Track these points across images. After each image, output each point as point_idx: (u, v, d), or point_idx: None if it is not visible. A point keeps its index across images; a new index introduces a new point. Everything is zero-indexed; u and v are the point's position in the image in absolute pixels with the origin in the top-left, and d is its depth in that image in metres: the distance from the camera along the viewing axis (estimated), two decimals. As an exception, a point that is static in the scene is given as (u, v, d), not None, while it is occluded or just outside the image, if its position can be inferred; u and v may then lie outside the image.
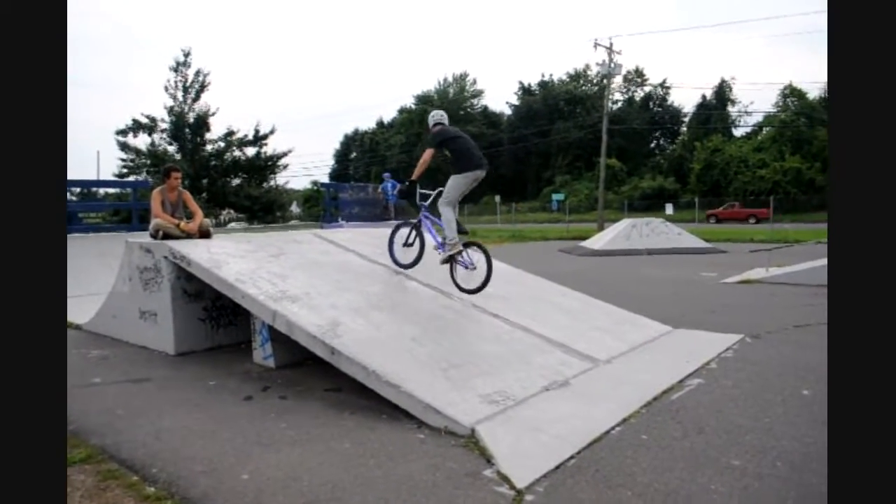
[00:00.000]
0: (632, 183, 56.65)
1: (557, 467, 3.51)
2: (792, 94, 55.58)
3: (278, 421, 4.37)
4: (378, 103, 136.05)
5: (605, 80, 40.88)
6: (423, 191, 6.97)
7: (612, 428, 4.10)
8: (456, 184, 6.60)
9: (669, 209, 37.24)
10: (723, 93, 61.42)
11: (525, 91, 70.68)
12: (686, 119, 64.91)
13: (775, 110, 56.42)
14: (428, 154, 6.57)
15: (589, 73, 67.51)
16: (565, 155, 63.10)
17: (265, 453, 3.80)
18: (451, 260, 6.60)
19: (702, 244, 20.17)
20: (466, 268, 6.52)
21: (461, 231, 6.59)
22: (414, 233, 6.98)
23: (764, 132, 55.59)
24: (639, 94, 67.91)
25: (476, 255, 6.55)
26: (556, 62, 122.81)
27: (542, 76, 71.00)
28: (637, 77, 67.07)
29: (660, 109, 66.34)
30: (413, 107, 73.29)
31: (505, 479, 3.34)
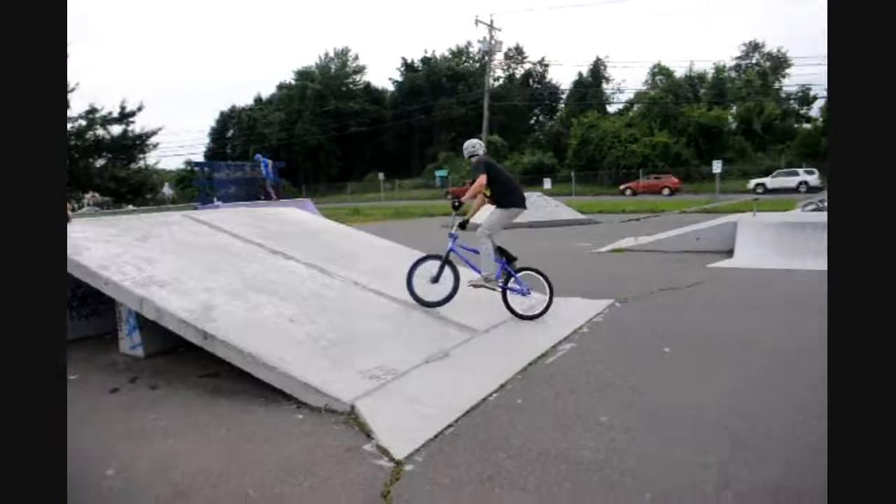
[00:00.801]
0: (513, 158, 58.02)
1: (436, 436, 3.58)
2: (660, 72, 58.79)
3: (148, 412, 4.17)
4: (256, 79, 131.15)
5: (486, 57, 41.52)
6: (463, 218, 6.61)
7: (490, 395, 4.23)
8: (499, 218, 6.41)
9: (548, 183, 38.59)
10: (598, 71, 63.97)
11: (408, 67, 70.37)
12: (564, 96, 67.13)
13: (645, 88, 59.54)
14: (484, 179, 6.22)
15: (471, 49, 68.17)
16: (448, 131, 63.65)
17: (134, 447, 3.62)
18: (504, 286, 6.30)
19: (578, 216, 21.07)
20: (523, 294, 6.31)
21: (510, 258, 6.36)
22: (445, 267, 6.25)
23: (635, 109, 58.54)
24: (519, 72, 69.39)
25: (537, 282, 6.38)
26: (438, 38, 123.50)
27: (425, 52, 70.86)
28: (517, 54, 68.45)
29: (539, 86, 68.15)
30: (293, 82, 71.20)
31: (384, 452, 3.37)
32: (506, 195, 6.37)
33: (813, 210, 17.26)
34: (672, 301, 7.28)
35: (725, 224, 12.19)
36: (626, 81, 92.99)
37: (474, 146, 6.60)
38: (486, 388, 4.30)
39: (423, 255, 6.45)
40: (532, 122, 69.41)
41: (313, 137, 65.52)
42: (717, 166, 30.34)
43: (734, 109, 57.61)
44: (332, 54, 72.60)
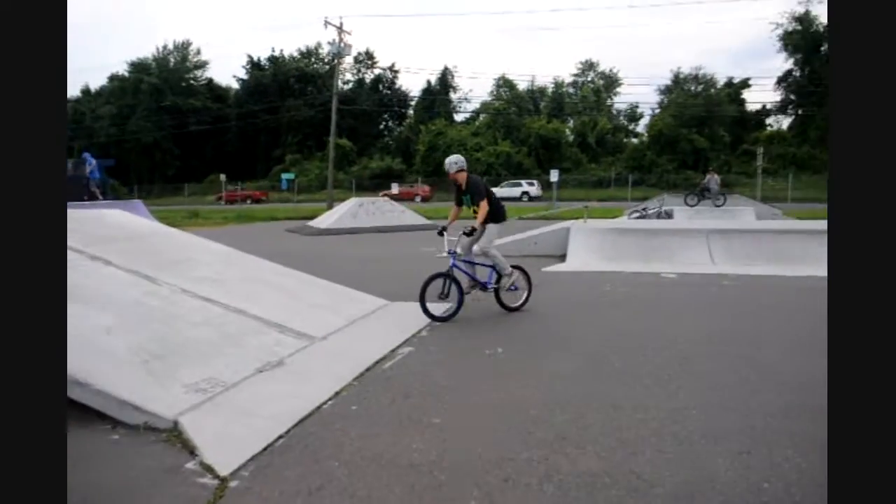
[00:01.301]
0: (361, 163, 57.97)
1: (266, 448, 3.47)
2: (505, 84, 61.41)
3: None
4: (83, 66, 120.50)
5: (335, 60, 41.05)
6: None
7: (324, 402, 4.17)
8: (497, 230, 7.27)
9: (395, 188, 38.90)
10: (446, 80, 65.52)
11: (254, 65, 67.91)
12: (413, 103, 68.06)
13: (490, 99, 61.91)
14: (486, 203, 6.93)
15: (321, 51, 67.16)
16: (296, 133, 62.25)
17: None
18: (497, 286, 7.11)
19: (424, 221, 21.46)
20: (510, 290, 7.18)
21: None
22: (448, 282, 6.70)
23: (481, 118, 60.68)
24: (369, 76, 69.42)
25: (519, 279, 7.28)
26: (286, 37, 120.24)
27: (273, 51, 68.80)
28: (368, 59, 68.43)
29: (388, 92, 68.55)
30: (127, 74, 66.29)
31: (208, 469, 3.21)
32: (497, 211, 7.15)
33: (637, 217, 18.84)
34: (507, 304, 7.62)
35: (560, 230, 12.94)
36: (473, 91, 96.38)
37: (459, 162, 7.16)
38: (320, 396, 4.24)
39: (431, 275, 6.77)
40: (381, 127, 69.70)
41: (148, 134, 61.44)
42: (554, 175, 32.18)
43: (571, 123, 61.43)
44: (171, 47, 68.56)
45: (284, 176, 54.47)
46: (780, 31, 56.15)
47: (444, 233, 7.15)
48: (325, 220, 20.97)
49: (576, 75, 68.28)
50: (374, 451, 3.43)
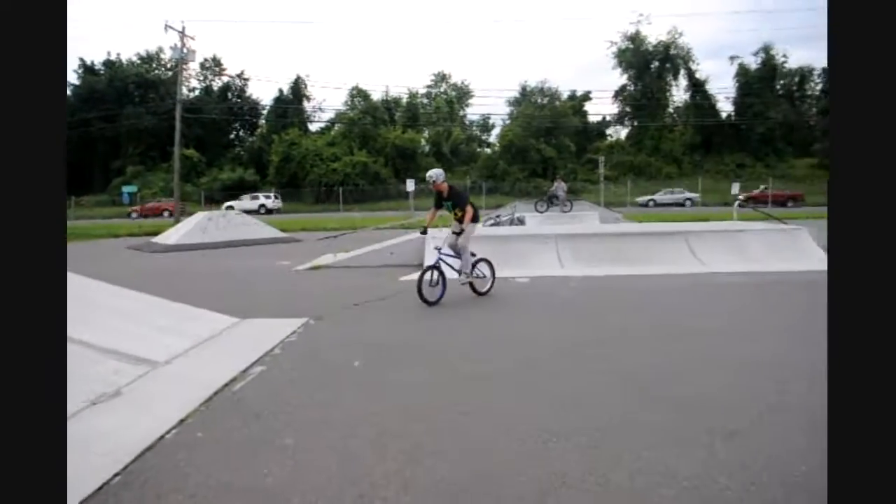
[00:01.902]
0: (211, 174, 55.38)
1: (100, 488, 3.15)
2: (359, 94, 61.19)
3: None
4: None
5: (178, 66, 38.94)
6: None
7: (167, 432, 3.88)
8: (475, 230, 9.02)
9: (235, 201, 37.52)
10: (298, 89, 64.20)
11: (87, 70, 62.76)
12: (264, 112, 66.07)
13: (345, 108, 61.46)
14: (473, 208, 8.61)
15: (162, 56, 63.46)
16: (137, 143, 58.19)
17: None
18: (469, 275, 8.57)
19: (279, 234, 20.83)
20: (480, 278, 8.76)
21: (474, 255, 8.75)
22: (437, 273, 8.26)
23: (335, 128, 60.07)
24: (217, 84, 66.52)
25: (485, 268, 8.91)
26: (123, 40, 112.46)
27: (108, 55, 63.98)
28: (215, 65, 65.56)
29: (238, 100, 66.09)
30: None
31: (28, 517, 2.87)
32: (476, 213, 8.75)
33: (492, 225, 19.42)
34: (366, 315, 7.54)
35: (416, 239, 13.02)
36: (327, 101, 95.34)
37: (440, 175, 8.61)
38: (162, 426, 3.93)
39: (425, 266, 8.62)
40: (232, 136, 66.99)
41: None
42: (410, 185, 32.46)
43: (426, 133, 62.43)
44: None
45: (125, 189, 50.72)
46: (614, 49, 60.66)
47: (426, 232, 9.23)
48: (172, 236, 19.74)
49: (429, 86, 69.55)
50: (223, 480, 3.23)
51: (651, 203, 43.49)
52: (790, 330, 6.45)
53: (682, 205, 42.38)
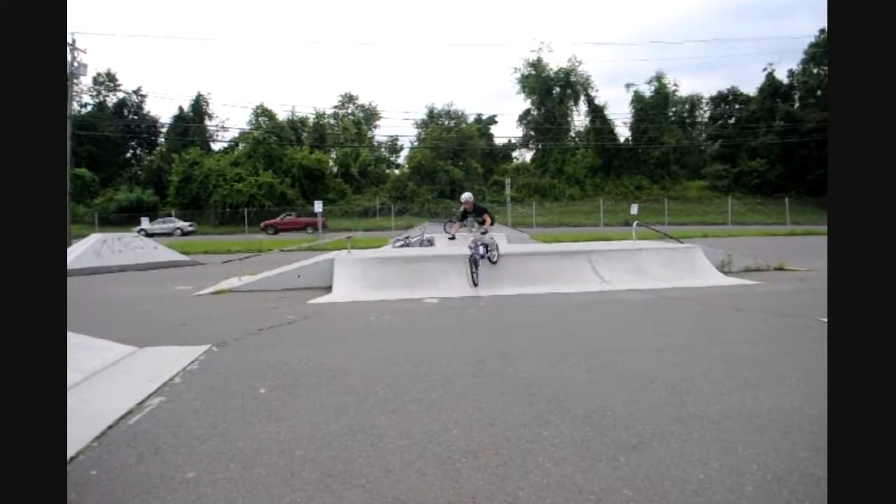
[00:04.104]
0: (106, 195, 52.68)
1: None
2: (264, 113, 59.97)
3: None
4: None
5: (68, 80, 36.91)
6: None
7: (55, 471, 3.62)
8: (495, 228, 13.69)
9: (145, 223, 35.92)
10: (200, 106, 62.28)
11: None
12: (164, 130, 63.60)
13: (249, 128, 60.04)
14: (488, 215, 12.90)
15: (49, 70, 59.93)
16: (23, 161, 54.67)
17: None
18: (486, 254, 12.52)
19: (180, 257, 20.01)
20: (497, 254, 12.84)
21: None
22: (474, 266, 12.00)
23: (240, 148, 58.55)
24: (112, 100, 63.53)
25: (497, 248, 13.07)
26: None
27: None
28: (109, 81, 62.63)
29: (136, 117, 63.39)
30: None
31: None
32: (493, 219, 13.29)
33: (401, 246, 19.41)
34: (272, 340, 7.33)
35: (325, 261, 12.86)
36: (230, 120, 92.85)
37: (471, 198, 12.99)
38: (49, 464, 3.66)
39: (468, 259, 12.02)
40: (129, 155, 64.08)
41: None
42: (318, 206, 32.05)
43: (334, 154, 61.93)
44: None
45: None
46: (518, 75, 62.61)
47: (454, 237, 14.07)
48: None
49: (336, 107, 69.20)
50: (117, 520, 3.04)
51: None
52: (687, 345, 6.78)
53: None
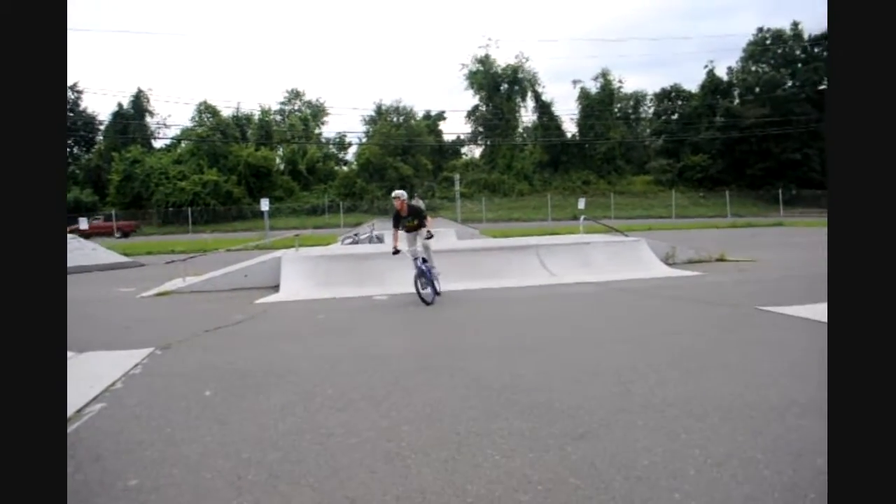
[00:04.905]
0: (42, 195, 50.77)
1: None
2: (207, 110, 58.55)
3: None
4: None
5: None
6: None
7: (-13, 483, 3.47)
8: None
9: (84, 224, 34.68)
10: (140, 103, 60.44)
11: None
12: (102, 127, 61.53)
13: (192, 125, 58.55)
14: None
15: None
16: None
17: None
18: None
19: (121, 259, 19.42)
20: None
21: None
22: (425, 279, 9.59)
23: (183, 145, 57.08)
24: (44, 97, 61.04)
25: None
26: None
27: None
28: (41, 77, 60.16)
29: (72, 114, 61.11)
30: None
31: None
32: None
33: (350, 243, 19.28)
34: (218, 342, 7.19)
35: (272, 259, 12.68)
36: (173, 117, 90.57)
37: (405, 194, 10.11)
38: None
39: (416, 273, 9.59)
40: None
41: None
42: (265, 204, 31.57)
43: (281, 151, 60.96)
44: None
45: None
46: (465, 71, 62.78)
47: (398, 251, 9.72)
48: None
49: (282, 103, 68.17)
50: (54, 532, 2.93)
51: None
52: (632, 335, 6.93)
53: None
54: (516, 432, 3.96)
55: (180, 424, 4.37)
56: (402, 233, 9.99)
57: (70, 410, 4.66)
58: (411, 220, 9.99)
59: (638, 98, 66.16)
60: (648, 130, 66.57)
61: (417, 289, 9.48)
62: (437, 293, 9.83)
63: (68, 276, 16.19)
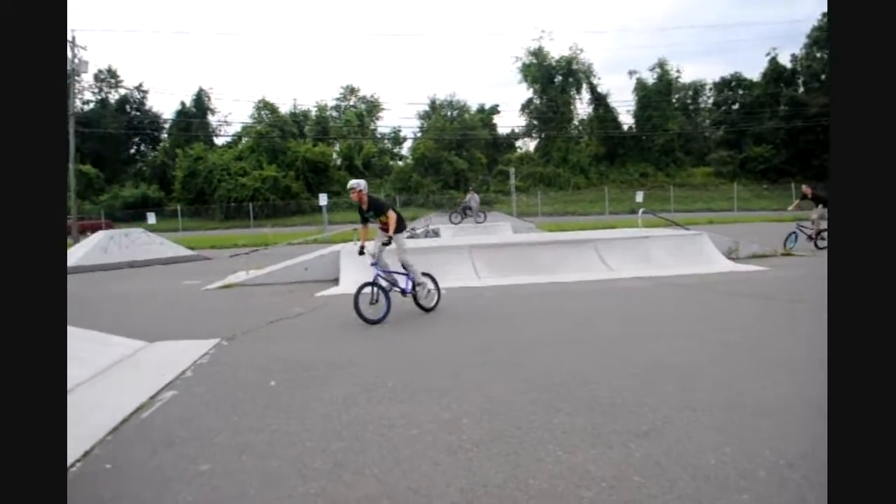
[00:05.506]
0: (111, 191, 52.83)
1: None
2: (266, 107, 59.81)
3: None
4: None
5: (70, 77, 36.92)
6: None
7: (72, 465, 3.65)
8: (404, 238, 8.57)
9: (152, 218, 35.95)
10: (202, 101, 62.20)
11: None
12: (167, 125, 63.59)
13: (252, 122, 59.92)
14: (395, 214, 8.14)
15: (51, 68, 60.06)
16: (29, 159, 54.79)
17: None
18: (413, 291, 8.33)
19: (187, 252, 20.08)
20: (426, 291, 8.44)
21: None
22: (376, 290, 7.85)
23: (243, 142, 58.48)
24: (114, 96, 63.52)
25: (429, 282, 8.55)
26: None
27: (-10, 66, 59.63)
28: (111, 77, 62.60)
29: (138, 113, 63.36)
30: None
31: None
32: (401, 222, 8.27)
33: (407, 237, 19.42)
34: (280, 333, 7.37)
35: (331, 254, 12.88)
36: (233, 114, 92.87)
37: (356, 186, 8.21)
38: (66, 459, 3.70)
39: (361, 284, 7.92)
40: (132, 151, 64.12)
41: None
42: (323, 199, 32.04)
43: (337, 146, 61.80)
44: None
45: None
46: (519, 64, 62.26)
47: (364, 252, 8.20)
48: (71, 257, 18.58)
49: (338, 99, 69.05)
50: (133, 512, 3.08)
51: None
52: (693, 331, 6.78)
53: None
54: (578, 428, 3.93)
55: (247, 413, 4.50)
56: (380, 230, 8.43)
57: (144, 397, 4.88)
58: (373, 216, 8.35)
59: (697, 88, 64.31)
60: (708, 121, 64.69)
61: (357, 302, 7.62)
62: (426, 309, 8.41)
63: (140, 269, 16.88)
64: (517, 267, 11.99)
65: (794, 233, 15.33)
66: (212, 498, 3.19)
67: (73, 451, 3.80)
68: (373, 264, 8.02)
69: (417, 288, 8.28)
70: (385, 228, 8.18)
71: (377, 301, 7.82)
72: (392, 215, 8.07)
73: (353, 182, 8.31)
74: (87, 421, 4.36)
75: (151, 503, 3.17)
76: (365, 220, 8.49)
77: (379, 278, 7.93)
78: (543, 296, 9.63)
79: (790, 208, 18.92)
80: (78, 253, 18.64)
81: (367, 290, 7.82)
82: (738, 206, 45.94)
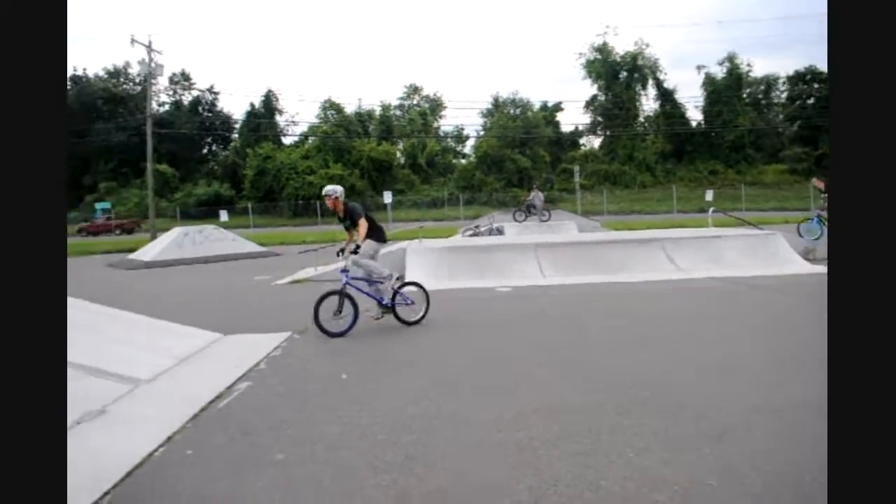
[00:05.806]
0: (186, 190, 54.87)
1: (90, 508, 3.11)
2: (331, 107, 60.98)
3: None
4: None
5: (147, 80, 38.52)
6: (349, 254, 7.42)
7: (155, 450, 3.83)
8: (373, 246, 7.71)
9: (224, 216, 37.17)
10: (270, 102, 63.85)
11: (54, 86, 61.61)
12: (237, 126, 65.55)
13: (318, 122, 61.20)
14: (365, 222, 7.44)
15: (130, 71, 62.88)
16: (109, 159, 57.47)
17: None
18: (392, 302, 7.51)
19: (257, 248, 20.71)
20: (407, 304, 7.59)
21: (400, 279, 7.75)
22: (342, 299, 7.08)
23: (310, 141, 59.77)
24: (187, 98, 65.95)
25: (415, 293, 7.76)
26: (89, 55, 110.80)
27: (75, 69, 62.89)
28: (184, 79, 65.01)
29: (210, 114, 65.56)
30: None
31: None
32: (374, 230, 7.68)
33: (471, 235, 19.48)
34: (348, 328, 7.51)
35: (397, 251, 13.05)
36: (300, 115, 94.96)
37: (332, 193, 7.61)
38: (150, 444, 3.88)
39: (324, 293, 7.16)
40: (205, 151, 66.39)
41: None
42: (387, 197, 32.44)
43: (401, 145, 62.43)
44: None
45: (99, 205, 50.09)
46: (583, 61, 61.33)
47: (341, 254, 7.58)
48: (149, 252, 19.50)
49: (402, 98, 69.68)
50: (214, 497, 3.21)
51: None
52: (766, 334, 6.56)
53: None
54: (649, 430, 3.87)
55: (319, 405, 4.62)
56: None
57: (221, 387, 5.06)
58: (348, 223, 7.71)
59: (769, 82, 61.84)
60: (781, 116, 62.16)
61: (317, 312, 6.95)
62: (407, 322, 7.57)
63: (213, 264, 17.50)
64: (582, 266, 11.85)
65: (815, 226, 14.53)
66: (287, 487, 3.29)
67: (157, 437, 3.99)
68: (343, 271, 7.28)
69: (382, 285, 7.53)
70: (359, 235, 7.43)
71: (341, 311, 7.07)
72: (363, 223, 7.39)
73: (328, 188, 7.72)
74: (167, 409, 4.56)
75: (230, 489, 3.29)
76: (347, 228, 7.80)
77: (348, 287, 7.20)
78: (609, 295, 9.49)
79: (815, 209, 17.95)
80: (154, 249, 19.49)
81: (332, 298, 7.08)
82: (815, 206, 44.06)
